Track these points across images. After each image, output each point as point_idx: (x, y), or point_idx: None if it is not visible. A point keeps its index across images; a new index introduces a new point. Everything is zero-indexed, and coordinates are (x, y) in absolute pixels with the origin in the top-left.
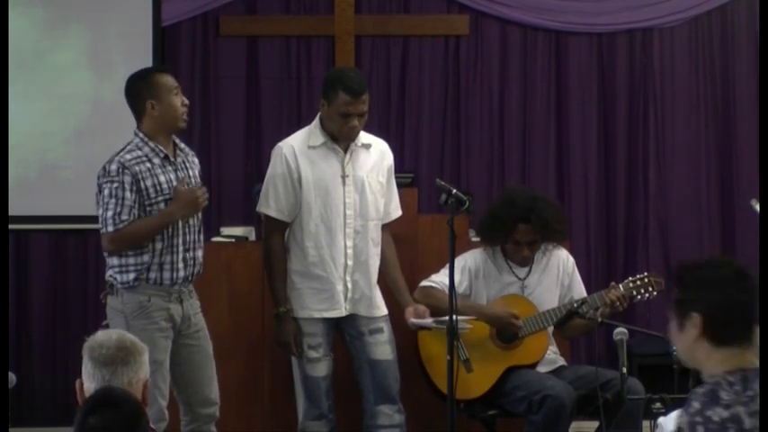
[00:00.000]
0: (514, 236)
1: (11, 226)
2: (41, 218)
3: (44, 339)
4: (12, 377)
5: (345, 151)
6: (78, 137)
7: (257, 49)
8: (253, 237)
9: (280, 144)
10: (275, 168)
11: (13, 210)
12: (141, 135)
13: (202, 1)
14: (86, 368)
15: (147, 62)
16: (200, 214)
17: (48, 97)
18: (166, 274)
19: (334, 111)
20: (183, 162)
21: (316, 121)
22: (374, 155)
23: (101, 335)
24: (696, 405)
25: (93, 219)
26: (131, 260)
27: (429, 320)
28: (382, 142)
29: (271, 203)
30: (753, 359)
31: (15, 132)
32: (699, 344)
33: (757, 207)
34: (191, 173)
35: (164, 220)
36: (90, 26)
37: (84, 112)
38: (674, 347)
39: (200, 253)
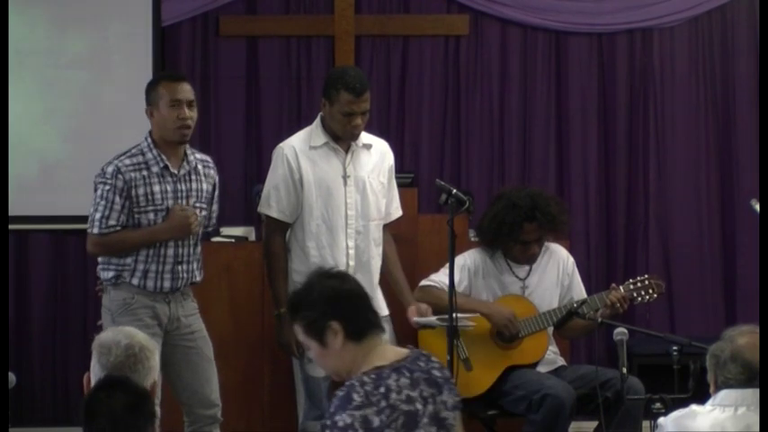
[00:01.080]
0: (521, 236)
1: (11, 226)
2: (41, 218)
3: (44, 339)
4: (12, 377)
5: (346, 151)
6: (78, 137)
7: (257, 49)
8: (253, 237)
9: (281, 145)
10: (276, 169)
11: (13, 210)
12: (149, 140)
13: (202, 1)
14: (94, 368)
15: (148, 62)
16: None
17: (48, 97)
18: (150, 283)
19: (337, 110)
20: (189, 174)
21: (317, 122)
22: (375, 155)
23: (110, 335)
24: (331, 409)
25: None
26: (114, 259)
27: (433, 318)
28: (383, 142)
29: (272, 204)
30: (389, 353)
31: (15, 132)
32: (345, 349)
33: (757, 207)
34: (195, 186)
35: (150, 237)
36: (90, 26)
37: (84, 112)
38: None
39: (195, 265)
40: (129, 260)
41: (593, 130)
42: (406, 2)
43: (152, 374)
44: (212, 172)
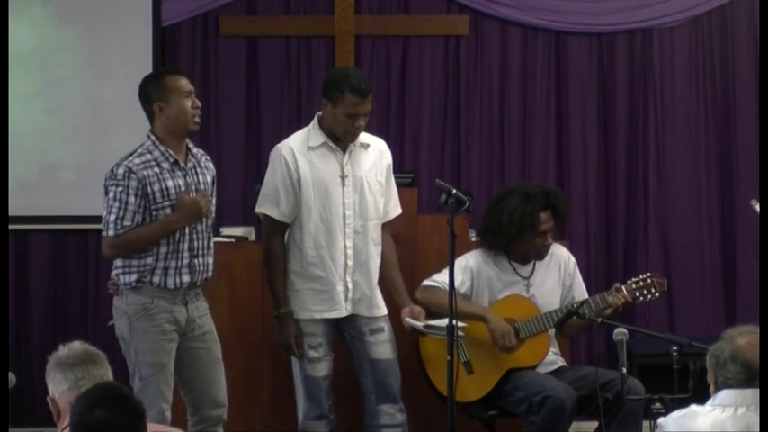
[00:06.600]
0: (539, 226)
1: (11, 226)
2: (41, 218)
3: (44, 339)
4: (12, 377)
5: (344, 151)
6: (78, 137)
7: (257, 49)
8: (253, 237)
9: (278, 146)
10: (275, 170)
11: (13, 210)
12: (153, 138)
13: (202, 1)
14: (55, 379)
15: (148, 62)
16: (208, 221)
17: (47, 97)
18: (170, 279)
19: (341, 111)
20: (195, 167)
21: (314, 122)
22: (373, 154)
23: (63, 347)
24: None
25: (94, 219)
26: (135, 261)
27: (419, 323)
28: (381, 141)
29: (271, 205)
30: None
31: (15, 132)
32: None
33: (757, 207)
34: (200, 179)
35: (165, 228)
36: (90, 26)
37: (84, 112)
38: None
39: (209, 259)
40: (149, 260)
41: (593, 130)
42: (406, 2)
43: (109, 375)
44: (211, 165)
